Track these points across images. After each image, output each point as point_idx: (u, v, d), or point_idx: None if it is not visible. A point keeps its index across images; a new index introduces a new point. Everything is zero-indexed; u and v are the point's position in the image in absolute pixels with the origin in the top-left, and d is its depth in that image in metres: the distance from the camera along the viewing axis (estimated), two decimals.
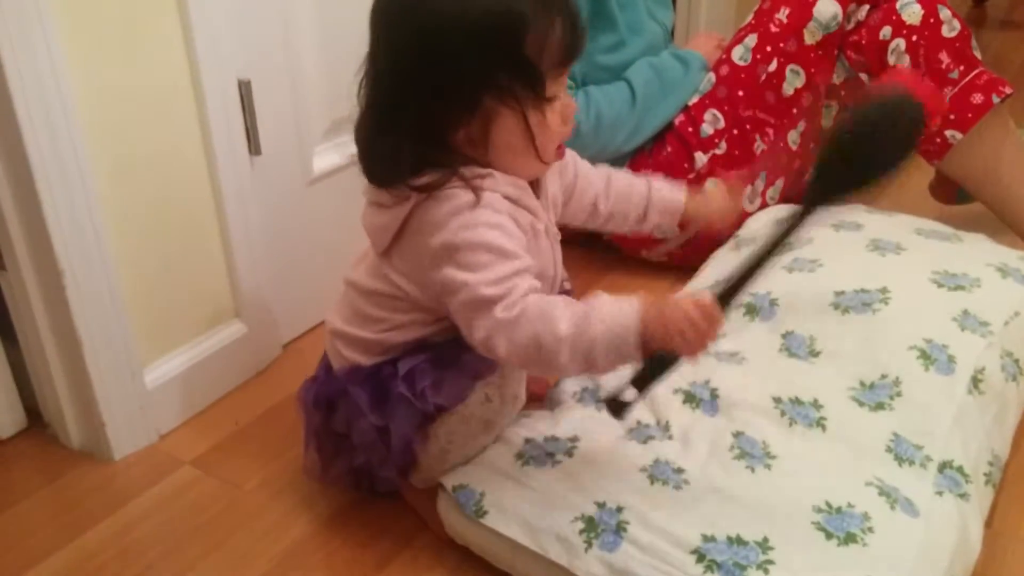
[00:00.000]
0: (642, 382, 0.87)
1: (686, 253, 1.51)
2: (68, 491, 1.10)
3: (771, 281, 1.17)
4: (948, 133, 1.42)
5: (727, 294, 0.84)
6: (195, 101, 1.11)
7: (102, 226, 1.04)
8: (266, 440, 1.17)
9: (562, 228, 1.02)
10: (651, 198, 1.07)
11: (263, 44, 1.19)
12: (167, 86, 1.09)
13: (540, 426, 1.02)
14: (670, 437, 0.98)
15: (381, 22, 0.86)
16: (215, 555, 1.00)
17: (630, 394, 0.88)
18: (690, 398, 1.02)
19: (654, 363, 0.85)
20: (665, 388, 1.02)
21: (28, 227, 1.02)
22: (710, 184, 1.11)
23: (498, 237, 0.85)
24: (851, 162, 0.85)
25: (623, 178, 1.08)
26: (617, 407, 0.89)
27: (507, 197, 0.88)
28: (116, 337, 1.09)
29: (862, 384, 1.01)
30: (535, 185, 0.94)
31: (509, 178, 0.89)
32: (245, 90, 1.16)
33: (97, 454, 1.14)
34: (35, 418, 1.19)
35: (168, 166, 1.12)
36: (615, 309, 0.82)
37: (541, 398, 1.10)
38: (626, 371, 0.88)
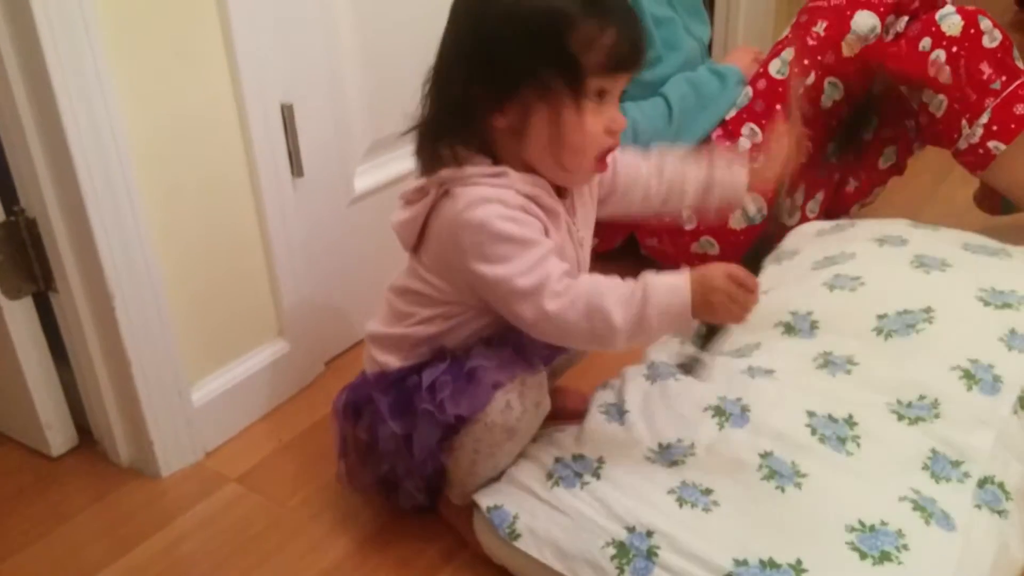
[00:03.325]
0: (703, 342, 0.95)
1: None
2: (118, 507, 1.13)
3: (812, 299, 1.16)
4: (991, 144, 1.40)
5: (757, 255, 0.88)
6: (239, 126, 1.14)
7: (151, 249, 1.07)
8: (309, 457, 1.19)
9: (602, 239, 1.04)
10: (712, 163, 1.07)
11: (305, 69, 1.21)
12: (212, 113, 1.11)
13: (567, 442, 1.03)
14: (694, 455, 0.97)
15: (452, 11, 0.91)
16: (259, 572, 1.02)
17: (692, 352, 0.96)
18: (719, 412, 1.02)
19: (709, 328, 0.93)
20: (694, 405, 1.02)
21: (80, 251, 1.05)
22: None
23: (514, 227, 0.88)
24: None
25: (673, 155, 1.09)
26: (692, 367, 0.97)
27: (521, 194, 0.91)
28: (164, 357, 1.12)
29: (899, 402, 1.00)
30: (561, 190, 0.96)
31: (527, 177, 0.91)
32: (288, 114, 1.19)
33: (146, 471, 1.17)
34: (86, 436, 1.22)
35: (213, 190, 1.14)
36: (667, 297, 0.87)
37: (580, 414, 1.10)
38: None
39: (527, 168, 0.92)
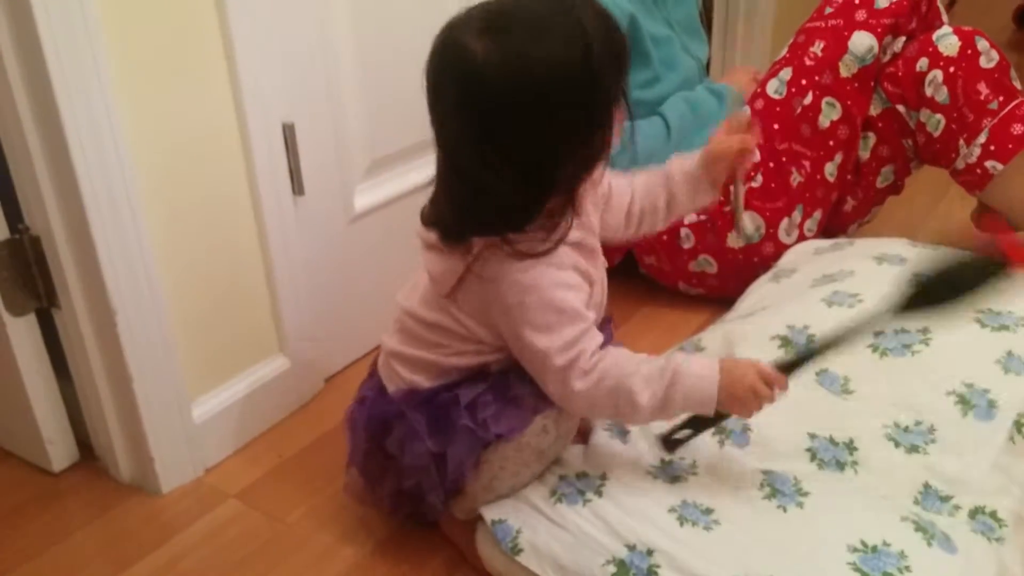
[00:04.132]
0: (694, 427, 0.97)
1: (723, 285, 1.51)
2: (118, 523, 1.13)
3: (809, 314, 1.17)
4: (988, 164, 1.41)
5: (792, 366, 0.92)
6: (241, 145, 1.15)
7: (153, 267, 1.08)
8: (308, 474, 1.19)
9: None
10: (668, 172, 1.08)
11: (306, 89, 1.22)
12: (215, 131, 1.12)
13: (571, 460, 1.03)
14: (696, 474, 0.98)
15: (477, 86, 0.81)
16: None
17: (683, 433, 0.97)
18: (720, 430, 1.02)
19: (706, 419, 0.94)
20: None
21: (83, 269, 1.06)
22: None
23: (565, 297, 0.89)
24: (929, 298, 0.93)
25: (642, 175, 1.09)
26: (671, 444, 0.98)
27: (572, 244, 0.91)
28: (165, 374, 1.13)
29: (896, 426, 1.01)
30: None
31: (577, 220, 0.91)
32: (289, 133, 1.20)
33: (146, 487, 1.17)
34: (87, 452, 1.22)
35: (215, 207, 1.15)
36: (695, 382, 0.89)
37: (583, 432, 1.10)
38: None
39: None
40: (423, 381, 0.98)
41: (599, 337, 0.92)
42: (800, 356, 0.92)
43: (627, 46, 0.87)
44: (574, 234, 0.91)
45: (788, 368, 0.91)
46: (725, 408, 0.90)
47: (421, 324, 0.98)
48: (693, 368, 0.89)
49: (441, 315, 0.96)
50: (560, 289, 0.88)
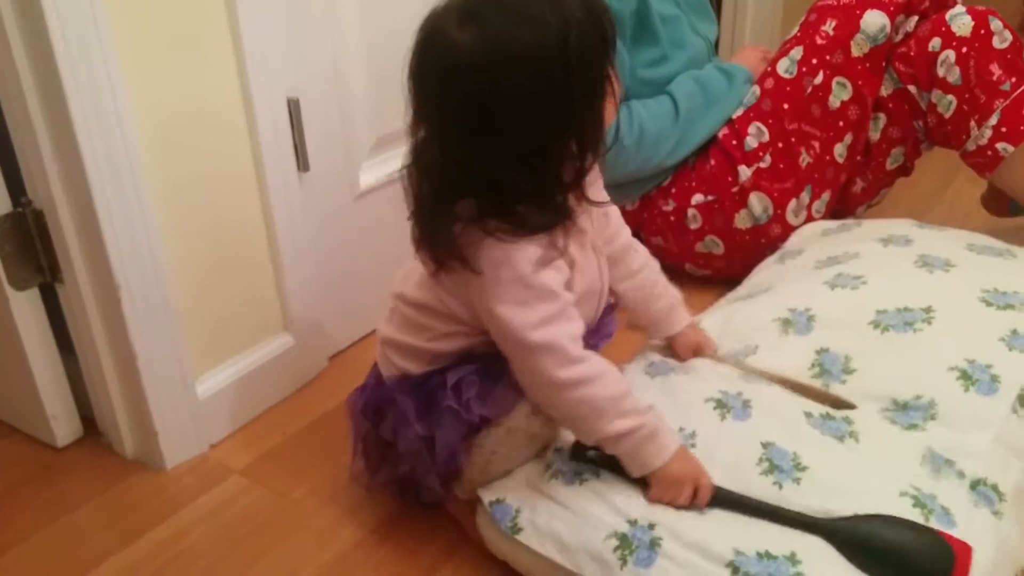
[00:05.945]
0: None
1: (730, 266, 1.50)
2: (122, 499, 1.13)
3: (811, 296, 1.16)
4: (999, 146, 1.40)
5: (725, 500, 0.91)
6: (246, 120, 1.14)
7: (157, 242, 1.07)
8: (313, 450, 1.19)
9: None
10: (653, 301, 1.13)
11: (312, 64, 1.21)
12: (219, 106, 1.12)
13: (569, 436, 1.02)
14: (694, 446, 0.97)
15: (459, 76, 0.82)
16: (264, 563, 1.03)
17: (592, 454, 0.96)
18: (721, 405, 1.01)
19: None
20: (695, 397, 1.02)
21: (86, 243, 1.05)
22: None
23: (535, 271, 0.87)
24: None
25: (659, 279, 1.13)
26: (580, 456, 0.97)
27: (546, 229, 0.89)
28: (169, 349, 1.12)
29: (895, 403, 1.00)
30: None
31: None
32: (294, 109, 1.19)
33: (150, 463, 1.17)
34: (91, 427, 1.22)
35: (220, 183, 1.15)
36: (654, 448, 0.90)
37: None
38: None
39: None
40: (413, 368, 0.98)
41: (579, 323, 0.89)
42: (740, 500, 0.90)
43: (612, 27, 0.85)
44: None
45: (722, 500, 0.90)
46: (652, 480, 0.91)
47: (409, 306, 0.98)
48: (660, 438, 0.90)
49: (427, 295, 0.95)
50: (533, 265, 0.86)
